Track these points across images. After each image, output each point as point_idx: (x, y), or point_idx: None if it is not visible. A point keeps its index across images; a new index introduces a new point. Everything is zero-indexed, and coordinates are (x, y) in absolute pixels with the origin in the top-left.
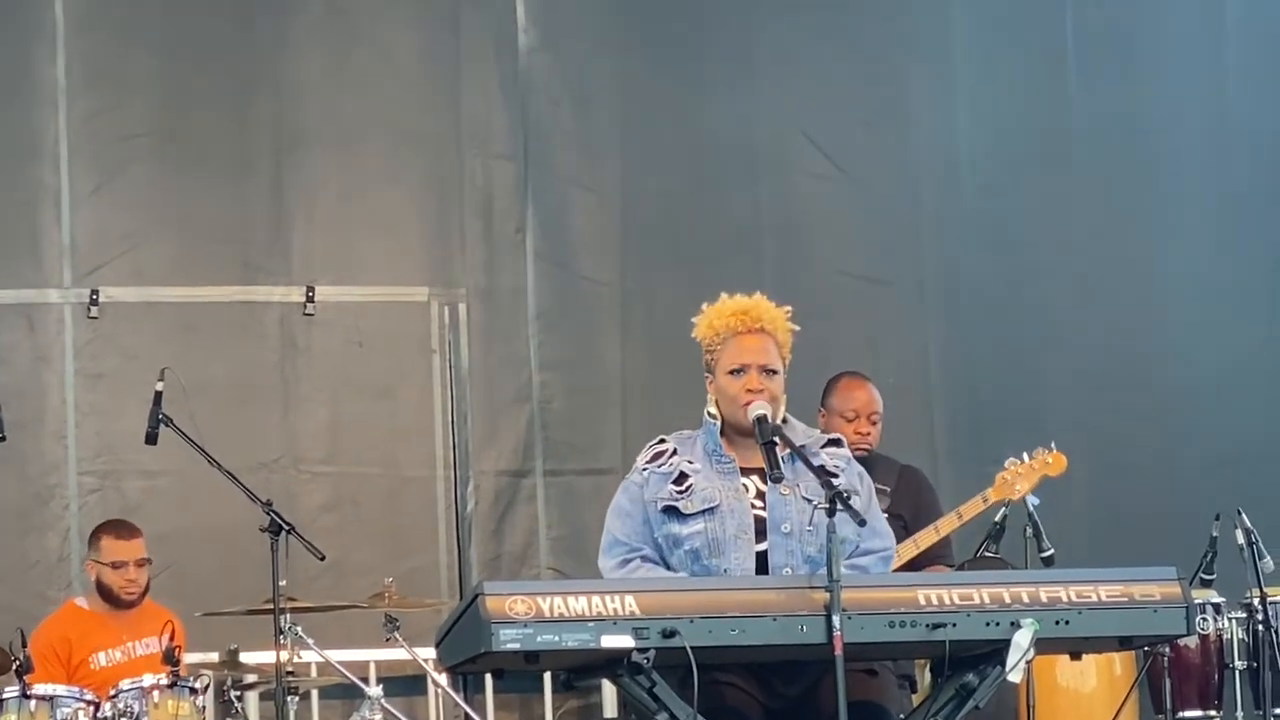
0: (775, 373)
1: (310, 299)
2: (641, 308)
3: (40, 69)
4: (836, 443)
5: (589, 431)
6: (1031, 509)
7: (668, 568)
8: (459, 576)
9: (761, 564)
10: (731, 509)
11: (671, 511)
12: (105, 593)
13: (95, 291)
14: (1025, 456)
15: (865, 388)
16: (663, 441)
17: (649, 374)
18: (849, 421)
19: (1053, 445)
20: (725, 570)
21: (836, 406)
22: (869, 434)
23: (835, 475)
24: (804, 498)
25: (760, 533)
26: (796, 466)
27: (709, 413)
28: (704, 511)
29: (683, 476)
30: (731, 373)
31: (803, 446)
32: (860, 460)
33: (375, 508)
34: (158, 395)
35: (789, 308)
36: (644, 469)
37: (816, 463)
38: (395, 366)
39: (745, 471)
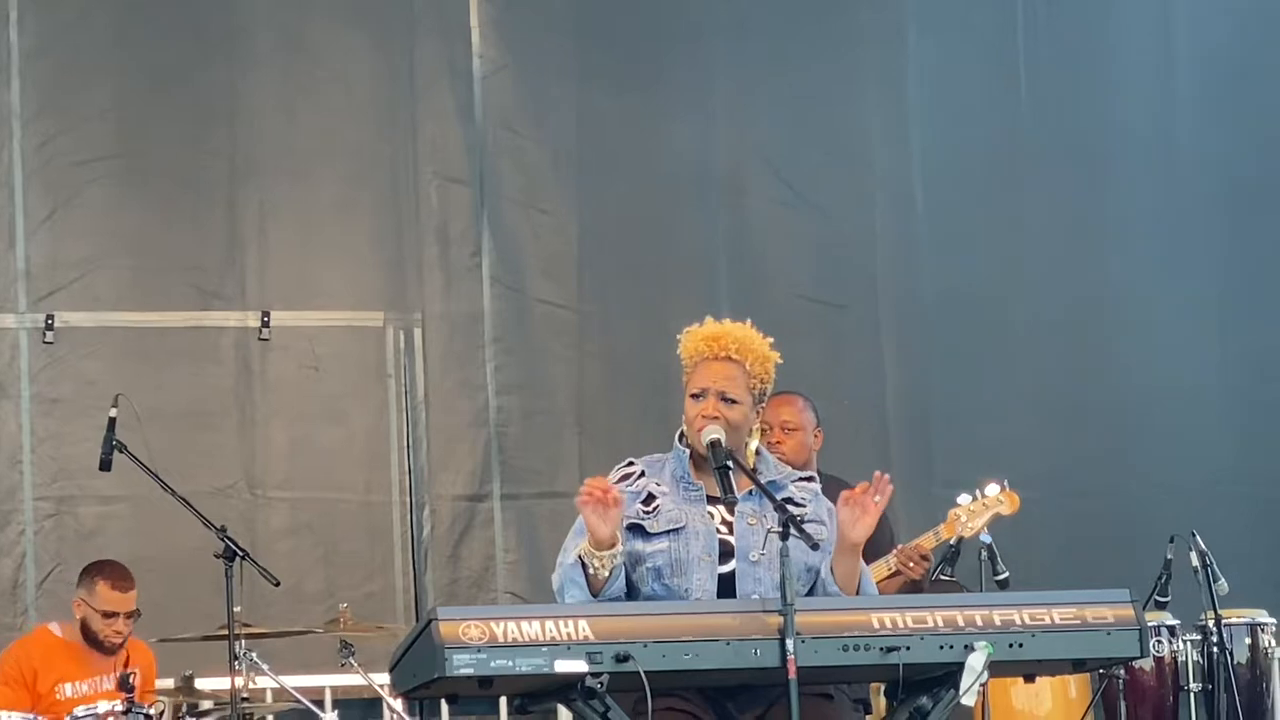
0: (736, 402)
1: (266, 324)
2: (598, 331)
3: None
4: (809, 478)
5: (546, 455)
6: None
7: (626, 584)
8: (415, 601)
9: (727, 588)
10: (697, 531)
11: (636, 530)
12: (89, 635)
13: (50, 317)
14: (979, 493)
15: (783, 400)
16: (631, 464)
17: (606, 397)
18: (762, 434)
19: (1005, 484)
20: (686, 590)
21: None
22: (782, 443)
23: (802, 506)
24: (769, 529)
25: (725, 555)
26: (765, 500)
27: (680, 436)
28: (669, 532)
29: (650, 497)
30: (693, 396)
31: (771, 482)
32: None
33: (331, 532)
34: (111, 422)
35: (772, 339)
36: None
37: (784, 495)
38: (351, 391)
39: (712, 500)
